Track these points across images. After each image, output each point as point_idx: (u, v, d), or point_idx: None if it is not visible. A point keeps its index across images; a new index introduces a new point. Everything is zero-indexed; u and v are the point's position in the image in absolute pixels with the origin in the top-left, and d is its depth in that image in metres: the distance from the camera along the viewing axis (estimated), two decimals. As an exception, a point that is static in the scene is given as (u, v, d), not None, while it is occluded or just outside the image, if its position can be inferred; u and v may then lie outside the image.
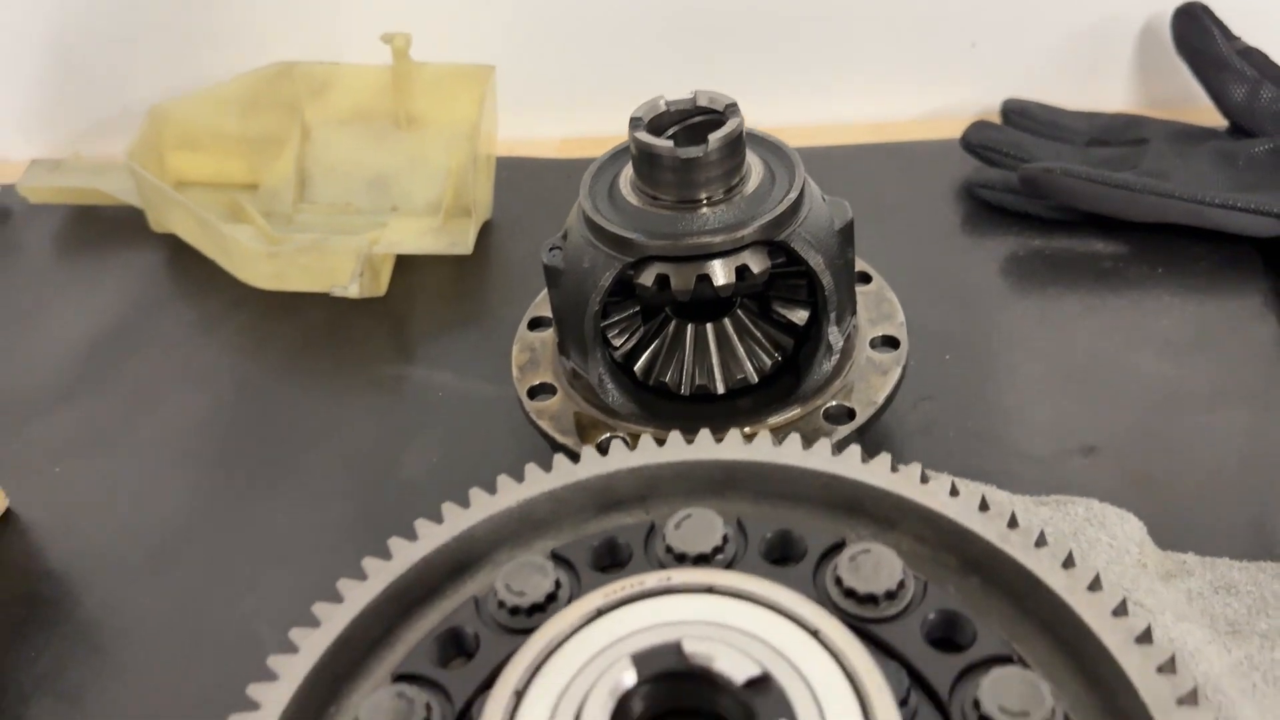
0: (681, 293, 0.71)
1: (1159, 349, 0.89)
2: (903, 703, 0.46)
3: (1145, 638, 0.46)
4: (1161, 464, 0.80)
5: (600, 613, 0.45)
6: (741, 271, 0.70)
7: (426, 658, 0.50)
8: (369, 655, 0.52)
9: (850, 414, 0.75)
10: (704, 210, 0.70)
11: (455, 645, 0.51)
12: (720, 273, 0.70)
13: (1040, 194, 0.99)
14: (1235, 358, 0.87)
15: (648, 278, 0.71)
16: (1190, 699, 0.43)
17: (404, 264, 1.06)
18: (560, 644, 0.44)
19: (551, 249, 0.76)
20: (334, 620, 0.51)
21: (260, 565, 0.81)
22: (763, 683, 0.41)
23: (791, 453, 0.56)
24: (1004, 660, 0.46)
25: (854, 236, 0.75)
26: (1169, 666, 0.44)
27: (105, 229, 1.17)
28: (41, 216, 1.19)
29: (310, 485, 0.87)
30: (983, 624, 0.48)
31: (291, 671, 0.49)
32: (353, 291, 0.96)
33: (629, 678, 0.42)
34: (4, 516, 0.87)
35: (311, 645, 0.50)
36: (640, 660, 0.43)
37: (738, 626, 0.43)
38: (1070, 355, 0.89)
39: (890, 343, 0.80)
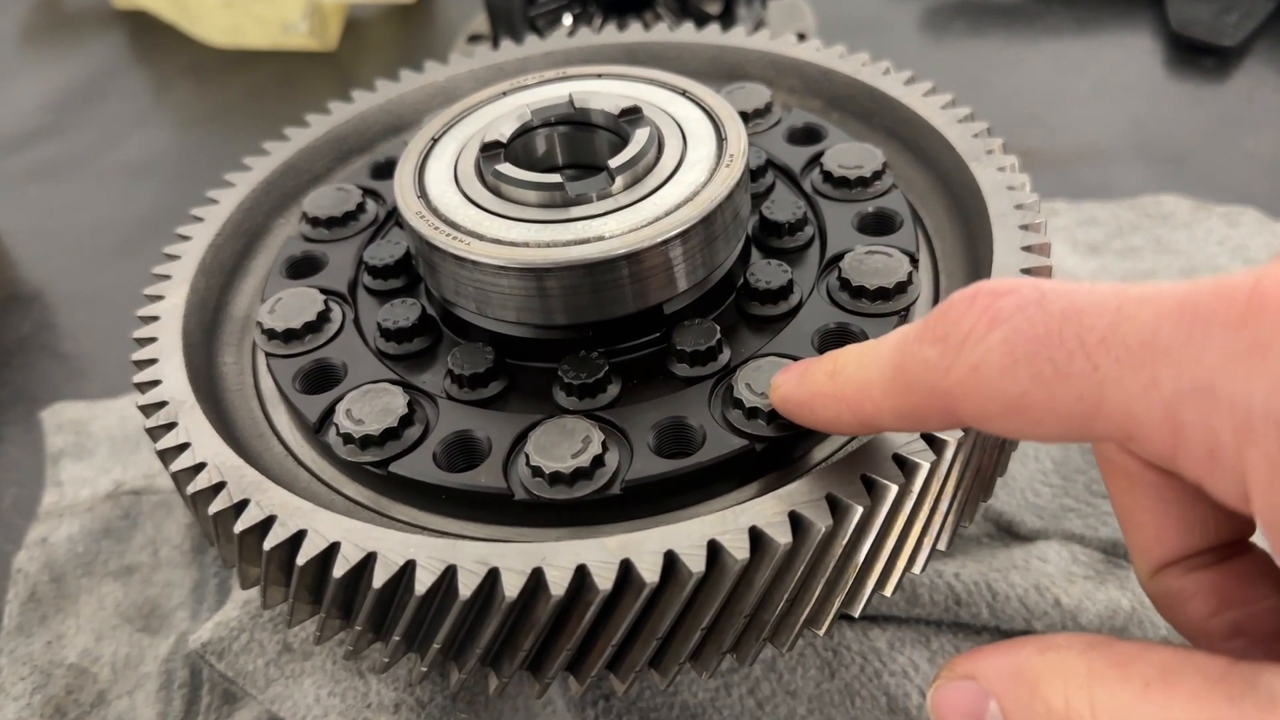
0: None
1: (1051, 61, 0.97)
2: (761, 173, 0.54)
3: (967, 119, 0.54)
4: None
5: (505, 94, 0.53)
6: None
7: (364, 173, 0.58)
8: (313, 182, 0.60)
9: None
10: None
11: (389, 169, 0.58)
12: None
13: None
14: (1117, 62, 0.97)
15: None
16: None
17: (354, 25, 1.12)
18: (472, 110, 0.52)
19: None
20: (281, 150, 0.59)
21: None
22: (634, 112, 0.49)
23: (685, 33, 0.64)
24: (848, 147, 0.54)
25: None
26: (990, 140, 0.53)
27: (70, 12, 1.23)
28: (6, 5, 1.25)
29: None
30: (833, 130, 0.56)
31: (248, 178, 0.57)
32: (303, 29, 1.02)
33: (527, 117, 0.50)
34: (-18, 228, 0.94)
35: (264, 165, 0.58)
36: (537, 111, 0.51)
37: (620, 92, 0.51)
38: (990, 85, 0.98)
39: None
